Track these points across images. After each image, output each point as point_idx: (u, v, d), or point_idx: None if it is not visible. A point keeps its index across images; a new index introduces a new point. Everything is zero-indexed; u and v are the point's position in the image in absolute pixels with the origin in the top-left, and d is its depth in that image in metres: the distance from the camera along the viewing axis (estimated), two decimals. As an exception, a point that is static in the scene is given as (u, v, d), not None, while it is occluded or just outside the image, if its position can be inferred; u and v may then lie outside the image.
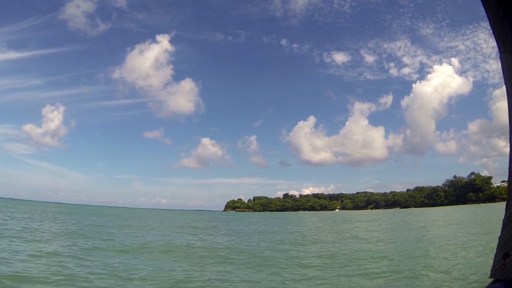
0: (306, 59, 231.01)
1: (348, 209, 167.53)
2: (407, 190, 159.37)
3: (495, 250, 1.72)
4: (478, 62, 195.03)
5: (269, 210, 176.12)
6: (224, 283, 8.82)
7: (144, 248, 14.70)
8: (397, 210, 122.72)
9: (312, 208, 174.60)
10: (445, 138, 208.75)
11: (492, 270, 1.80)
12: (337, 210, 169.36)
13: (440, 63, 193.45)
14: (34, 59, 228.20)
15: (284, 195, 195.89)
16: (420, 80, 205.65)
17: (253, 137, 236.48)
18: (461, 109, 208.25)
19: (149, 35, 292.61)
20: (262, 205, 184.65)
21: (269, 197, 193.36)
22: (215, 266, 11.12)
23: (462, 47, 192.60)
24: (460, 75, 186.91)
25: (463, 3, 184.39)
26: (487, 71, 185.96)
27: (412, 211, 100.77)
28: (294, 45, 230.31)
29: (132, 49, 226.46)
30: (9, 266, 8.99)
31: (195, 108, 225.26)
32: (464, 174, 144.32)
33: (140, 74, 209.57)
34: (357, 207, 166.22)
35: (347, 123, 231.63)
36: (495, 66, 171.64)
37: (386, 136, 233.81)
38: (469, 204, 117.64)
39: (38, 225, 25.10)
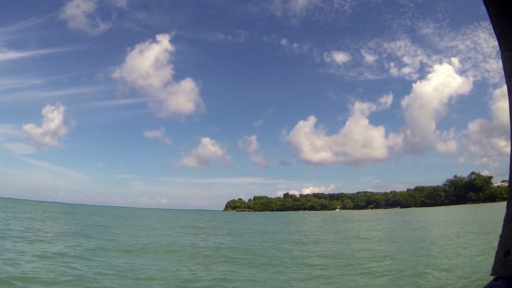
0: (306, 59, 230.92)
1: (349, 208, 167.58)
2: (408, 189, 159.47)
3: (496, 248, 1.81)
4: (478, 62, 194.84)
5: (270, 210, 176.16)
6: (230, 282, 8.91)
7: (149, 248, 14.77)
8: (397, 210, 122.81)
9: (312, 208, 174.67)
10: (445, 138, 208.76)
11: (493, 268, 1.83)
12: (337, 209, 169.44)
13: (440, 62, 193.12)
14: (34, 59, 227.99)
15: (284, 194, 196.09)
16: (420, 80, 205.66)
17: (253, 137, 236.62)
18: (461, 109, 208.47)
19: (149, 35, 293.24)
20: (262, 204, 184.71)
21: (269, 196, 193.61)
22: (221, 265, 11.20)
23: (462, 46, 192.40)
24: (461, 75, 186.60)
25: (463, 3, 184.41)
26: (488, 70, 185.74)
27: (412, 210, 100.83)
28: (294, 45, 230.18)
29: (132, 49, 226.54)
30: (17, 267, 9.07)
31: (195, 108, 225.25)
32: (464, 173, 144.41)
33: (140, 74, 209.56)
34: (357, 207, 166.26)
35: (347, 122, 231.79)
36: (495, 65, 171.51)
37: (386, 136, 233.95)
38: (469, 203, 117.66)
39: (40, 225, 25.17)
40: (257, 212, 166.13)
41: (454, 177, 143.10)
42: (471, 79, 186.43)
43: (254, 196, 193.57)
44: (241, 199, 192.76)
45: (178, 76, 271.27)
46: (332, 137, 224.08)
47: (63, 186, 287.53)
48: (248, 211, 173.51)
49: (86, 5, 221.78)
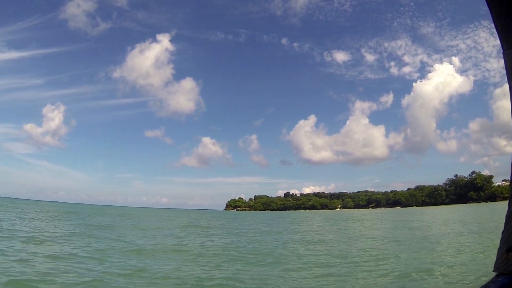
0: (307, 58, 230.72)
1: (349, 208, 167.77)
2: (408, 189, 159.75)
3: (498, 245, 1.85)
4: (479, 61, 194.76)
5: (270, 209, 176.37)
6: (243, 280, 9.05)
7: (157, 249, 14.85)
8: (398, 209, 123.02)
9: (313, 207, 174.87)
10: (445, 137, 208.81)
11: (495, 264, 1.85)
12: (338, 209, 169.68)
13: (441, 62, 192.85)
14: (35, 59, 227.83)
15: (285, 194, 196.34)
16: (421, 79, 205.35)
17: (254, 136, 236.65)
18: (461, 108, 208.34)
19: (149, 34, 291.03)
20: (263, 204, 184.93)
21: (270, 196, 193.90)
22: (231, 265, 11.28)
23: (463, 46, 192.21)
24: (461, 74, 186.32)
25: (464, 2, 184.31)
26: (488, 70, 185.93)
27: (413, 210, 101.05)
28: (295, 44, 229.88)
29: (133, 48, 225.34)
30: (33, 268, 9.14)
31: (195, 107, 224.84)
32: (464, 173, 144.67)
33: (141, 73, 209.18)
34: (358, 206, 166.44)
35: (347, 122, 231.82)
36: (496, 65, 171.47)
37: (386, 135, 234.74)
38: (470, 203, 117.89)
39: (45, 226, 25.23)
40: (257, 211, 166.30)
41: (454, 176, 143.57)
42: (472, 78, 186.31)
43: (255, 196, 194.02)
44: (242, 199, 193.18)
45: (178, 76, 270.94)
46: (333, 136, 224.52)
47: (63, 185, 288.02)
48: (249, 210, 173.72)
49: (86, 4, 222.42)
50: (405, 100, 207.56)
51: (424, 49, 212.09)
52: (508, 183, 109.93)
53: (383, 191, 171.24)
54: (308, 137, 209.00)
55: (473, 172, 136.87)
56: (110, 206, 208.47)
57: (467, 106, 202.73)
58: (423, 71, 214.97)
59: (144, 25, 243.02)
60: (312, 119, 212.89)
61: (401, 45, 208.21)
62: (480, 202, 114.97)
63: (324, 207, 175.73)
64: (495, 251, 1.84)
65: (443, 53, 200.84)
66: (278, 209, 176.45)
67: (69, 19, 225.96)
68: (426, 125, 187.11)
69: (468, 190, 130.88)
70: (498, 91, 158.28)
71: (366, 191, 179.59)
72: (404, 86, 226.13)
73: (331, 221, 45.56)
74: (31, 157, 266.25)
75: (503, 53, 1.82)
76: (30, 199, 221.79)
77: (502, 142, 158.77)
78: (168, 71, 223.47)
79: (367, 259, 12.48)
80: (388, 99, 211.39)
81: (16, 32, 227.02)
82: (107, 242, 16.76)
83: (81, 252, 12.97)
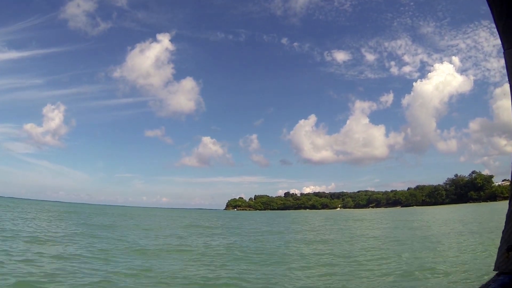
0: (307, 58, 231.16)
1: (349, 207, 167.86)
2: (408, 188, 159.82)
3: (499, 244, 1.87)
4: (479, 61, 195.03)
5: (270, 209, 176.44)
6: (251, 280, 9.11)
7: (161, 249, 14.86)
8: (399, 209, 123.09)
9: (313, 207, 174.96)
10: (446, 137, 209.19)
11: (496, 263, 1.83)
12: (338, 208, 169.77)
13: (441, 61, 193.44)
14: (35, 59, 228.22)
15: (285, 193, 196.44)
16: (421, 79, 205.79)
17: (254, 136, 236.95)
18: (462, 108, 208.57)
19: (149, 34, 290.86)
20: (263, 203, 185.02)
21: (270, 195, 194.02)
22: (236, 265, 11.31)
23: (463, 45, 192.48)
24: (461, 74, 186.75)
25: (464, 2, 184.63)
26: (488, 69, 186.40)
27: (414, 210, 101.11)
28: (295, 44, 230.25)
29: (133, 48, 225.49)
30: (40, 269, 9.16)
31: (196, 107, 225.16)
32: (464, 172, 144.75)
33: (141, 73, 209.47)
34: (358, 206, 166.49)
35: (348, 121, 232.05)
36: (496, 64, 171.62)
37: (387, 135, 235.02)
38: (470, 202, 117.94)
39: (48, 226, 25.26)
40: (258, 211, 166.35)
41: (455, 176, 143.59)
42: (472, 78, 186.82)
43: (255, 195, 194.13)
44: (242, 198, 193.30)
45: (178, 75, 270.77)
46: (333, 136, 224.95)
47: (63, 185, 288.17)
48: (249, 210, 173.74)
49: (86, 4, 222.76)
50: (405, 100, 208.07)
51: (424, 48, 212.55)
52: (508, 183, 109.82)
53: (383, 190, 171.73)
54: (308, 137, 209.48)
55: (473, 172, 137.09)
56: (110, 206, 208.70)
57: (467, 106, 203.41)
58: (423, 71, 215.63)
59: (144, 25, 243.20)
60: (312, 118, 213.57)
61: (401, 44, 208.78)
62: (480, 202, 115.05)
63: (324, 206, 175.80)
64: (496, 250, 1.83)
65: (443, 52, 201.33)
66: (278, 208, 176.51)
67: (69, 19, 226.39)
68: (426, 125, 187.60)
69: (468, 189, 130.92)
70: (498, 90, 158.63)
71: (366, 191, 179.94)
72: (404, 85, 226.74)
73: (332, 221, 45.60)
74: (31, 156, 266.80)
75: (504, 53, 1.83)
76: (30, 198, 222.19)
77: (502, 141, 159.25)
78: (168, 71, 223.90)
79: (370, 258, 12.64)
80: (388, 98, 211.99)
81: (16, 32, 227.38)
82: (110, 242, 16.79)
83: (85, 252, 12.99)
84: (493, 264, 1.73)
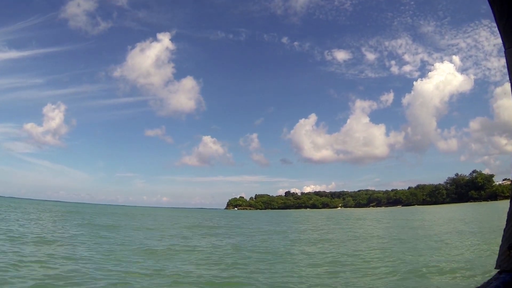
0: (307, 57, 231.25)
1: (350, 207, 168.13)
2: (409, 188, 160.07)
3: (500, 243, 1.88)
4: (479, 60, 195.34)
5: (271, 208, 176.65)
6: (267, 279, 9.23)
7: (170, 249, 14.91)
8: (399, 208, 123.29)
9: (314, 206, 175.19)
10: (446, 136, 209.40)
11: (497, 261, 1.87)
12: (339, 208, 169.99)
13: (441, 60, 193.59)
14: (35, 58, 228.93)
15: (285, 193, 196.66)
16: (421, 78, 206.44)
17: (255, 135, 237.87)
18: (462, 107, 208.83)
19: (150, 34, 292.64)
20: (264, 203, 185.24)
21: (270, 195, 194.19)
22: (249, 265, 11.40)
23: (463, 44, 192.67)
24: (461, 73, 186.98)
25: (464, 1, 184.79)
26: (489, 69, 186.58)
27: (415, 209, 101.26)
28: (295, 43, 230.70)
29: (133, 47, 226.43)
30: (55, 270, 9.20)
31: (196, 106, 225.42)
32: (465, 172, 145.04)
33: (141, 73, 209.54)
34: (359, 205, 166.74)
35: (348, 120, 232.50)
36: (496, 63, 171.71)
37: (387, 134, 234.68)
38: (471, 202, 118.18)
39: (53, 226, 25.29)
40: (258, 210, 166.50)
41: (455, 175, 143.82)
42: (472, 77, 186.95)
43: (256, 194, 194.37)
44: (243, 197, 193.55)
45: (179, 75, 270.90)
46: (333, 135, 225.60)
47: (64, 185, 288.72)
48: (250, 209, 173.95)
49: (86, 4, 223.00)
50: (406, 99, 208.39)
51: (425, 48, 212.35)
52: (509, 182, 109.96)
53: (384, 190, 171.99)
54: (309, 136, 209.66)
55: (474, 171, 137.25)
56: (110, 205, 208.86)
57: (468, 105, 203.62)
58: (424, 70, 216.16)
59: (145, 24, 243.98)
60: (313, 118, 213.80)
61: (401, 44, 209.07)
62: (481, 201, 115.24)
63: (325, 206, 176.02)
64: (497, 249, 1.88)
65: (444, 52, 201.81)
66: (279, 208, 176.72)
67: (69, 19, 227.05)
68: (426, 124, 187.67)
69: (469, 189, 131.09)
70: (498, 89, 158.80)
71: (367, 190, 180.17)
72: (405, 85, 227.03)
73: (334, 220, 45.71)
74: (31, 156, 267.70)
75: (505, 52, 1.83)
76: (31, 198, 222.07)
77: (503, 141, 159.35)
78: (168, 70, 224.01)
79: (375, 257, 12.88)
80: (388, 98, 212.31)
81: (16, 31, 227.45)
82: (117, 243, 16.84)
83: (95, 253, 13.03)
84: (495, 263, 1.89)
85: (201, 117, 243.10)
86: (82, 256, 12.15)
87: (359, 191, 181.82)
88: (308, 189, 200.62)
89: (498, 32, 1.83)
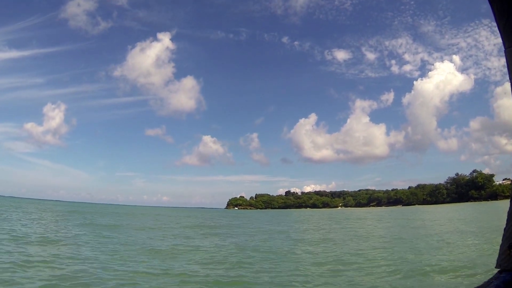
0: (308, 57, 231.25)
1: (351, 206, 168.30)
2: (409, 187, 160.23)
3: (500, 242, 1.88)
4: (479, 60, 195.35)
5: (271, 208, 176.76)
6: (275, 277, 9.33)
7: (174, 249, 14.95)
8: (400, 208, 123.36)
9: (314, 206, 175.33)
10: (446, 136, 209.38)
11: (497, 261, 1.89)
12: (339, 207, 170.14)
13: (442, 60, 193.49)
14: (35, 58, 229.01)
15: (286, 192, 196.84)
16: (422, 78, 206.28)
17: (255, 135, 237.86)
18: (462, 107, 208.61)
19: (150, 33, 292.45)
20: (264, 202, 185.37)
21: (271, 194, 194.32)
22: (255, 264, 11.49)
23: (463, 44, 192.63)
24: (462, 73, 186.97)
25: (464, 0, 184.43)
26: (489, 68, 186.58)
27: (415, 208, 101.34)
28: (296, 43, 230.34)
29: (133, 47, 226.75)
30: (61, 271, 9.22)
31: (196, 106, 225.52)
32: (465, 171, 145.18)
33: (141, 72, 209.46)
34: (359, 205, 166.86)
35: (348, 120, 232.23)
36: (496, 63, 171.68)
37: (387, 133, 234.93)
38: (471, 201, 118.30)
39: (56, 227, 25.30)
40: (259, 210, 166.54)
41: (456, 175, 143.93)
42: (472, 76, 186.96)
43: (256, 194, 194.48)
44: (243, 197, 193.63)
45: (179, 74, 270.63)
46: (333, 135, 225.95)
47: (64, 184, 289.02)
48: (250, 208, 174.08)
49: (87, 4, 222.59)
50: (406, 99, 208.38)
51: (425, 47, 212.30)
52: (509, 182, 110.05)
53: (384, 189, 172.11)
54: (309, 136, 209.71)
55: (474, 171, 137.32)
56: (111, 204, 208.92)
57: (468, 105, 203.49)
58: (424, 70, 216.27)
59: (145, 24, 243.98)
60: (313, 117, 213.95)
61: (401, 43, 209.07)
62: (481, 201, 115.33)
63: (325, 205, 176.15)
64: (497, 248, 1.88)
65: (444, 51, 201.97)
66: (279, 207, 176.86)
67: (69, 18, 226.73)
68: (426, 124, 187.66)
69: (469, 188, 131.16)
70: (499, 89, 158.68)
71: (367, 190, 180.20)
72: (405, 84, 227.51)
73: (335, 220, 45.78)
74: (31, 156, 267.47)
75: (505, 51, 1.83)
76: (31, 198, 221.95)
77: (503, 140, 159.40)
78: (168, 70, 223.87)
79: (377, 256, 13.01)
80: (388, 97, 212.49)
81: (16, 31, 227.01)
82: (121, 242, 16.86)
83: (99, 253, 13.05)
84: (495, 262, 1.90)
85: (201, 117, 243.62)
86: (87, 256, 12.19)
87: (359, 190, 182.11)
88: (308, 188, 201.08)
89: (498, 31, 1.84)
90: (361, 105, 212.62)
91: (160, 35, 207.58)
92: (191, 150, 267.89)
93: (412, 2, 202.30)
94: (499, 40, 1.88)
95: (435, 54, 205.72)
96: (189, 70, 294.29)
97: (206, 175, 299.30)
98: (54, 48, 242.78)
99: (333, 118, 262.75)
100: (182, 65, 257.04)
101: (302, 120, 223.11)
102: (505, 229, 1.90)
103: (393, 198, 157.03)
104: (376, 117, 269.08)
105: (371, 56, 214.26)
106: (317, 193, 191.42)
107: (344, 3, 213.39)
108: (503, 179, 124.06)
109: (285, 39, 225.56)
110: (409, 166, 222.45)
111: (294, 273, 10.05)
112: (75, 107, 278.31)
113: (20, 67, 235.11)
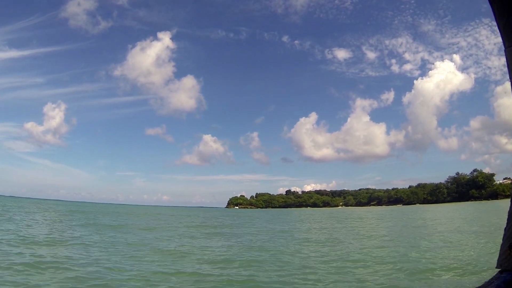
0: (308, 56, 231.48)
1: (351, 205, 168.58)
2: (409, 186, 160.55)
3: (501, 242, 1.91)
4: (480, 59, 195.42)
5: (272, 207, 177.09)
6: (289, 276, 9.47)
7: (182, 250, 14.99)
8: (401, 207, 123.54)
9: (314, 205, 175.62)
10: (447, 135, 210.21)
11: (498, 261, 1.91)
12: (340, 206, 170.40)
13: (442, 59, 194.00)
14: (36, 58, 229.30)
15: (286, 191, 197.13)
16: (422, 77, 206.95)
17: (255, 134, 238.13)
18: (462, 106, 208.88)
19: (150, 32, 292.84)
20: (264, 201, 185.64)
21: (271, 193, 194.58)
22: (261, 263, 11.54)
23: (463, 43, 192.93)
24: (462, 72, 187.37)
25: (464, 0, 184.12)
26: (489, 67, 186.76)
27: (416, 208, 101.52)
28: (296, 42, 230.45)
29: (134, 46, 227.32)
30: (76, 273, 9.31)
31: (196, 105, 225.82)
32: (465, 170, 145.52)
33: (142, 71, 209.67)
34: (359, 204, 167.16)
35: (348, 119, 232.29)
36: (497, 62, 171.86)
37: (387, 133, 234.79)
38: (471, 201, 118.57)
39: (61, 227, 25.38)
40: (259, 209, 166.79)
41: (456, 174, 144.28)
42: (473, 76, 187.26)
43: (256, 193, 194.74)
44: (243, 196, 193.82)
45: (179, 74, 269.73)
46: (334, 134, 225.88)
47: (64, 183, 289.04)
48: (251, 208, 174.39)
49: (87, 3, 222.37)
50: (406, 98, 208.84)
51: (425, 46, 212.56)
52: (509, 181, 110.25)
53: (385, 188, 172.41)
54: (309, 135, 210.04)
55: (474, 170, 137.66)
56: (111, 204, 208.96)
57: (468, 104, 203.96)
58: (424, 69, 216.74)
59: (145, 23, 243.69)
60: (313, 116, 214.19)
61: (402, 42, 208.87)
62: (481, 200, 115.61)
63: (326, 204, 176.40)
64: (498, 248, 1.88)
65: (444, 50, 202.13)
66: (279, 206, 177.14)
67: (69, 18, 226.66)
68: (427, 123, 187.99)
69: (470, 188, 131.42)
70: (499, 88, 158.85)
71: (367, 189, 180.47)
72: (405, 83, 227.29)
73: (337, 219, 45.92)
74: (32, 155, 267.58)
75: (505, 51, 1.83)
76: (31, 197, 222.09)
77: (503, 139, 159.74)
78: (169, 69, 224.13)
79: (381, 255, 13.20)
80: (389, 96, 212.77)
81: (17, 31, 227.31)
82: (129, 243, 16.94)
83: (110, 254, 13.09)
84: (496, 262, 1.93)
85: (202, 116, 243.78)
86: (98, 257, 12.27)
87: (359, 189, 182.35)
88: (308, 187, 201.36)
89: (498, 31, 1.85)
90: (361, 104, 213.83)
91: (160, 35, 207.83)
92: (191, 150, 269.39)
93: (412, 1, 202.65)
94: (499, 39, 1.89)
95: (436, 53, 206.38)
96: (189, 69, 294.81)
97: (206, 174, 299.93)
98: (54, 47, 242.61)
99: (333, 117, 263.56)
100: (182, 65, 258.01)
101: (302, 119, 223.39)
102: (505, 228, 1.90)
103: (394, 197, 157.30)
104: (376, 116, 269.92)
105: (371, 55, 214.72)
106: (318, 192, 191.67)
107: (345, 2, 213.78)
108: (504, 178, 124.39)
109: (285, 38, 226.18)
110: (410, 165, 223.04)
111: (304, 272, 10.21)
112: (75, 107, 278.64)
113: (20, 66, 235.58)
